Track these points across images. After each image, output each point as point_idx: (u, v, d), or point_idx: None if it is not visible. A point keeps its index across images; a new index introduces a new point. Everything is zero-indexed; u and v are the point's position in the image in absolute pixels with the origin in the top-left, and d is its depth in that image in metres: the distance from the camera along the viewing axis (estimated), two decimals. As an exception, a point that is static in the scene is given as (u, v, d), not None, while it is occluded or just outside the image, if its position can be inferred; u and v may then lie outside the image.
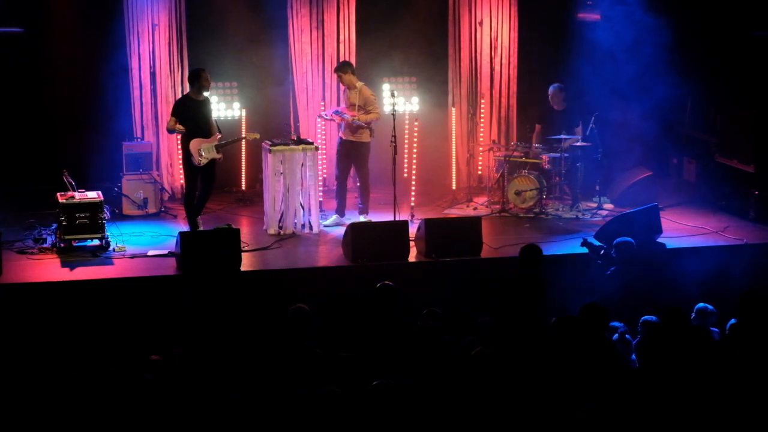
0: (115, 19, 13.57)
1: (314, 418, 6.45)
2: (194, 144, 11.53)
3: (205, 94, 11.72)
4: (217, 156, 11.62)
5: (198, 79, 11.56)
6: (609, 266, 10.07)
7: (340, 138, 12.42)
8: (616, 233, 10.57)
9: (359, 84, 12.29)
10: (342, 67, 12.46)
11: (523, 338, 8.04)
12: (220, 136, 11.69)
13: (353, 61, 14.04)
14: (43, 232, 11.47)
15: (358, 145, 12.25)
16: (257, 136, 12.18)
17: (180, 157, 12.84)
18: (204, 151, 11.53)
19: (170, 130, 11.75)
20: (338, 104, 14.24)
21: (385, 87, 13.96)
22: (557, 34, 14.99)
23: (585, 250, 10.43)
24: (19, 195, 13.24)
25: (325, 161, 13.83)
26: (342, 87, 12.71)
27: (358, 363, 7.44)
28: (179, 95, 13.09)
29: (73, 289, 10.03)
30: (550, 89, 13.37)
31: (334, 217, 12.40)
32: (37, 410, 6.62)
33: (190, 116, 11.54)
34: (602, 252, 10.14)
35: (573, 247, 11.03)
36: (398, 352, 7.44)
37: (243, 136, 12.34)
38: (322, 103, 14.09)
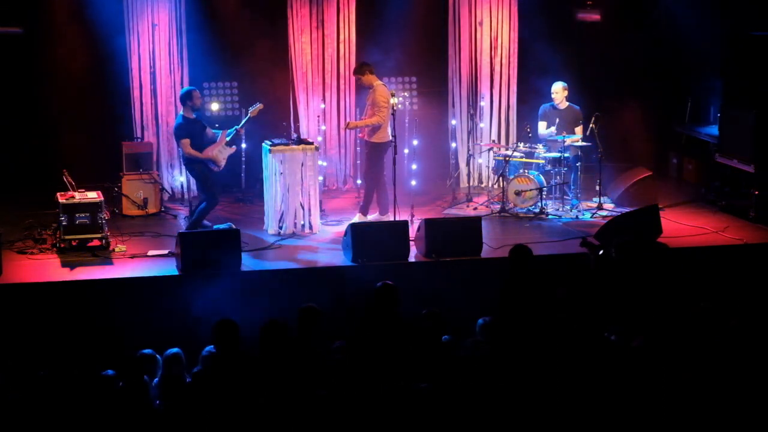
0: (115, 19, 13.57)
1: (313, 419, 6.45)
2: (210, 152, 11.59)
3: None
4: (232, 150, 11.80)
5: (190, 98, 11.56)
6: (607, 266, 10.06)
7: (362, 137, 12.54)
8: (616, 233, 10.56)
9: (376, 83, 12.19)
10: (359, 69, 12.35)
11: (521, 338, 8.04)
12: (225, 131, 11.76)
13: (353, 61, 14.05)
14: (43, 232, 11.45)
15: (371, 145, 12.23)
16: (261, 106, 12.09)
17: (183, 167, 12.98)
18: (222, 152, 11.63)
19: (193, 155, 11.58)
20: (338, 105, 14.29)
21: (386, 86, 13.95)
22: (557, 34, 15.00)
23: (584, 250, 10.41)
24: (19, 195, 13.26)
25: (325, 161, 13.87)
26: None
27: (354, 365, 7.44)
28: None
29: (73, 289, 10.03)
30: (554, 87, 13.36)
31: (375, 215, 12.36)
32: (36, 410, 6.62)
33: (195, 134, 11.59)
34: (600, 252, 10.13)
35: (573, 246, 11.02)
36: (398, 352, 7.44)
37: (249, 114, 12.25)
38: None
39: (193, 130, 11.59)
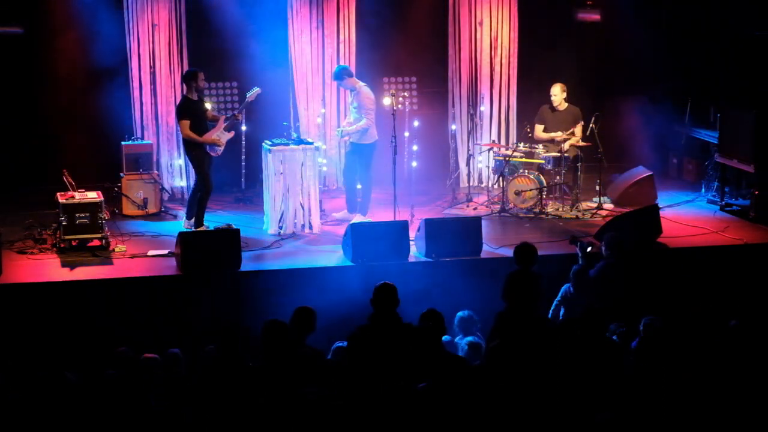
0: (114, 19, 13.57)
1: (313, 420, 6.44)
2: (210, 135, 11.61)
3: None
4: (231, 135, 11.81)
5: (195, 80, 11.54)
6: (595, 263, 10.08)
7: (348, 140, 12.57)
8: (616, 233, 10.55)
9: (359, 86, 12.26)
10: (338, 75, 12.40)
11: (523, 336, 8.04)
12: (224, 117, 11.80)
13: (353, 61, 14.05)
14: (43, 232, 11.45)
15: (360, 146, 12.29)
16: (258, 90, 12.12)
17: (184, 157, 12.94)
18: (221, 136, 11.67)
19: (192, 138, 11.52)
20: (338, 105, 14.30)
21: (385, 87, 13.98)
22: (557, 34, 15.00)
23: (579, 248, 10.42)
24: (19, 195, 13.26)
25: (325, 161, 13.88)
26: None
27: (354, 365, 7.44)
28: (179, 95, 13.09)
29: (73, 289, 10.03)
30: (552, 89, 13.37)
31: (343, 212, 12.49)
32: (36, 410, 6.62)
33: (198, 116, 11.57)
34: (589, 249, 10.15)
35: (573, 247, 11.00)
36: (397, 352, 7.44)
37: (247, 99, 12.27)
38: (320, 116, 14.10)
39: (194, 111, 11.57)
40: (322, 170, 13.56)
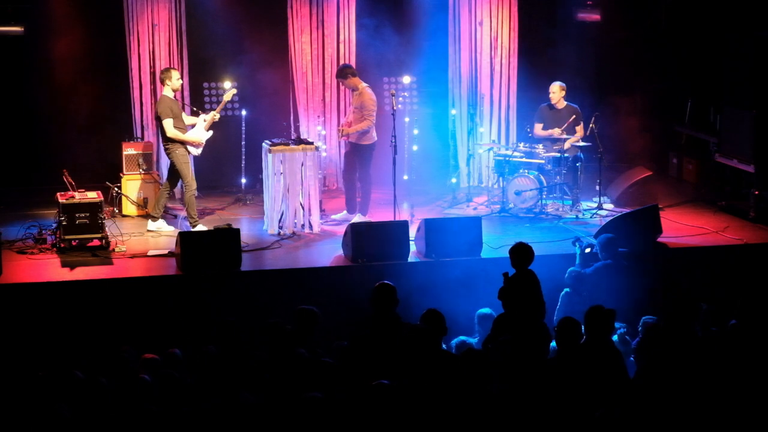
0: (114, 20, 13.58)
1: (312, 420, 6.44)
2: (194, 135, 11.75)
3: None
4: (210, 134, 11.97)
5: (170, 78, 11.71)
6: (592, 263, 10.09)
7: (347, 140, 12.58)
8: (616, 233, 10.57)
9: (361, 86, 12.26)
10: (341, 73, 12.43)
11: (520, 336, 8.03)
12: (203, 114, 11.97)
13: (353, 60, 14.05)
14: (43, 232, 11.45)
15: (359, 147, 12.30)
16: (234, 91, 12.44)
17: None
18: (201, 135, 11.82)
19: (177, 137, 11.70)
20: (338, 105, 14.30)
21: (386, 86, 13.99)
22: (557, 34, 15.01)
23: (578, 248, 10.43)
24: (19, 195, 13.26)
25: (326, 161, 13.88)
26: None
27: (352, 366, 7.45)
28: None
29: (73, 289, 10.02)
30: (551, 87, 13.38)
31: (343, 213, 12.49)
32: (36, 410, 6.62)
33: (178, 114, 11.76)
34: (587, 250, 10.15)
35: (573, 247, 11.01)
36: (397, 352, 7.44)
37: (224, 99, 12.39)
38: (321, 118, 14.10)
39: (175, 110, 11.73)
40: (323, 156, 13.58)
